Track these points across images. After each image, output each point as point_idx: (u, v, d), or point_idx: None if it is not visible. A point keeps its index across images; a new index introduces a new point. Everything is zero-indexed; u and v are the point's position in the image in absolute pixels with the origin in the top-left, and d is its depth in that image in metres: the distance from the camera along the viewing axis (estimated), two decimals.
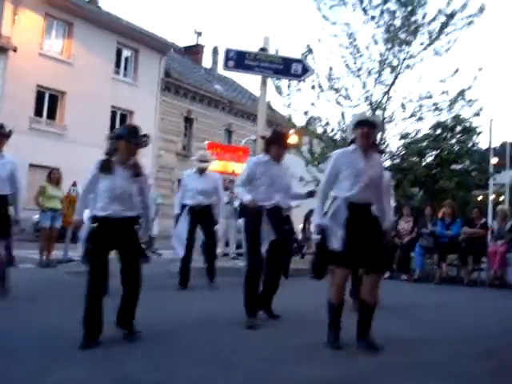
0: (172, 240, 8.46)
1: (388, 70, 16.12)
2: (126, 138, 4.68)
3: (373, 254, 4.77)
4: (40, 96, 24.03)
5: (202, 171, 8.49)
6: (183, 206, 8.36)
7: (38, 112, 23.96)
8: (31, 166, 21.60)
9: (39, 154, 21.94)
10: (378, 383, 3.85)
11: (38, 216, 11.60)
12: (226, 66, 11.50)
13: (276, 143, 5.92)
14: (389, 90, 16.30)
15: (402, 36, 15.79)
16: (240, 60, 11.28)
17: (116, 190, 4.63)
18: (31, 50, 23.16)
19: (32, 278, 8.52)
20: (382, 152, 7.13)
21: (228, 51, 11.35)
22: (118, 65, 27.37)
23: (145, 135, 4.83)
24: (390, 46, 15.90)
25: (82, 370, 3.75)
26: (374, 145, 5.13)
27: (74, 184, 11.12)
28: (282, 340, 5.07)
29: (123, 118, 27.45)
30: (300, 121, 17.68)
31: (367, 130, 4.89)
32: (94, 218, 4.69)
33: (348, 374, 4.03)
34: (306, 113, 16.61)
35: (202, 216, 8.29)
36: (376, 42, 16.02)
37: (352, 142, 5.05)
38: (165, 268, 9.77)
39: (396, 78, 16.15)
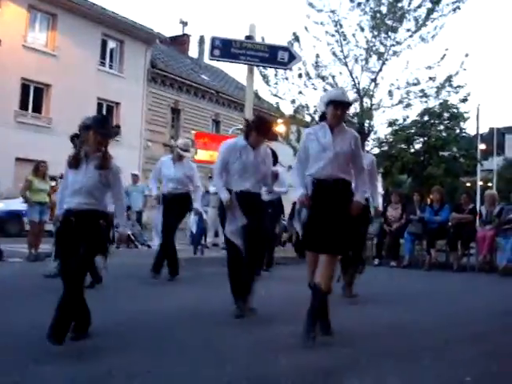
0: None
1: (375, 57, 16.13)
2: (93, 129, 4.46)
3: (332, 233, 4.56)
4: (25, 89, 23.76)
5: (179, 159, 8.29)
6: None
7: (24, 105, 23.71)
8: (17, 159, 21.44)
9: (25, 148, 21.72)
10: (374, 369, 3.83)
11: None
12: (212, 55, 11.45)
13: (257, 130, 5.64)
14: (376, 77, 16.31)
15: (389, 23, 15.79)
16: (226, 48, 11.21)
17: (76, 183, 4.42)
18: (15, 43, 22.88)
19: (20, 273, 8.46)
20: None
21: (214, 39, 11.28)
22: (103, 56, 27.14)
23: (116, 126, 4.72)
24: (376, 32, 15.89)
25: (67, 364, 3.72)
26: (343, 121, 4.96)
27: (61, 176, 10.99)
28: (275, 328, 5.05)
29: (110, 109, 27.26)
30: (288, 109, 17.68)
31: (340, 112, 4.80)
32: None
33: (344, 362, 4.02)
34: (293, 101, 16.60)
35: (174, 204, 8.11)
36: (362, 29, 16.02)
37: (323, 114, 4.91)
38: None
39: (383, 64, 16.16)
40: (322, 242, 4.60)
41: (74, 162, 4.48)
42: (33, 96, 24.19)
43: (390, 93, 16.28)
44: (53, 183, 10.90)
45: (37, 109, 24.33)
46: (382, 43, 16.04)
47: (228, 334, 4.79)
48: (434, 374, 3.78)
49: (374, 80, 16.34)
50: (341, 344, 4.47)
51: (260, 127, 5.68)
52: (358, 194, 4.86)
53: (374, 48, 16.06)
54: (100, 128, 4.46)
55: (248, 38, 11.51)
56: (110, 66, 27.54)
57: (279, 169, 7.69)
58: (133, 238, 13.74)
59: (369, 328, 5.11)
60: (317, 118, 16.68)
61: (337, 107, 4.74)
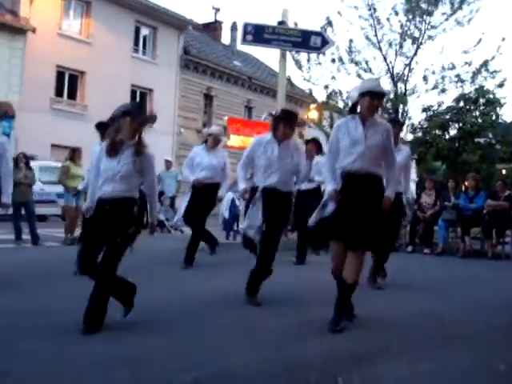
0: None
1: (409, 41, 15.94)
2: (130, 116, 4.42)
3: (361, 228, 4.49)
4: (60, 76, 24.09)
5: (213, 147, 8.26)
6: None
7: (59, 92, 24.05)
8: (53, 146, 21.77)
9: (61, 134, 22.06)
10: (406, 356, 3.82)
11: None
12: (245, 41, 11.42)
13: (283, 122, 5.58)
14: (410, 61, 16.12)
15: (424, 6, 15.56)
16: (258, 34, 11.18)
17: (110, 170, 4.37)
18: (50, 31, 23.17)
19: (57, 256, 8.62)
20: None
21: (246, 25, 11.25)
22: (136, 43, 27.30)
23: (152, 114, 4.72)
24: (411, 16, 15.68)
25: (101, 344, 3.79)
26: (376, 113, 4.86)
27: None
28: (308, 313, 5.07)
29: (143, 96, 27.47)
30: (320, 95, 17.59)
31: (377, 104, 4.69)
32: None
33: (375, 348, 4.01)
34: (326, 87, 16.50)
35: (206, 192, 8.03)
36: (397, 13, 15.82)
37: (354, 106, 4.79)
38: (184, 244, 9.82)
39: (418, 49, 15.95)
40: (350, 237, 4.52)
41: (113, 149, 4.41)
42: (68, 83, 24.51)
43: (425, 78, 16.09)
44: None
45: (72, 96, 24.65)
46: (416, 27, 15.82)
47: (260, 318, 4.82)
48: (466, 361, 3.75)
49: (408, 65, 16.15)
50: (372, 330, 4.46)
51: (286, 119, 5.61)
52: (389, 189, 4.74)
53: (408, 32, 15.86)
54: (137, 115, 4.45)
55: (280, 23, 11.46)
56: (144, 53, 27.69)
57: (318, 158, 7.60)
58: (166, 223, 13.89)
59: (401, 315, 5.09)
60: (350, 103, 16.56)
61: (373, 98, 4.59)
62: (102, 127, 6.73)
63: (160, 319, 4.56)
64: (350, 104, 5.01)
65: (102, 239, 4.29)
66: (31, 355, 3.44)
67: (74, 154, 10.94)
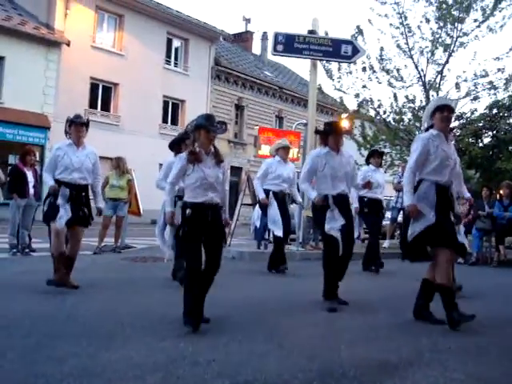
0: (268, 225, 8.63)
1: (441, 48, 15.79)
2: (205, 127, 4.72)
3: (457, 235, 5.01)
4: (94, 88, 24.52)
5: (285, 159, 8.73)
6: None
7: (93, 104, 24.45)
8: None
9: (94, 145, 22.17)
10: (438, 364, 3.79)
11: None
12: (275, 51, 11.47)
13: (331, 133, 6.10)
14: (442, 69, 15.97)
15: (455, 13, 15.42)
16: (289, 44, 11.22)
17: (209, 178, 4.70)
18: (84, 43, 23.62)
19: (91, 264, 8.75)
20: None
21: (277, 35, 11.31)
22: (168, 55, 27.64)
23: (223, 122, 4.94)
24: (442, 24, 15.56)
25: (135, 350, 3.84)
26: (451, 130, 5.43)
27: (128, 172, 11.32)
28: (350, 319, 5.07)
29: (175, 107, 27.76)
30: (351, 104, 17.52)
31: (447, 115, 5.09)
32: (185, 205, 4.73)
33: (408, 356, 3.99)
34: (357, 95, 16.43)
35: (286, 201, 8.66)
36: (428, 21, 15.71)
37: (430, 127, 5.20)
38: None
39: (449, 56, 15.79)
40: (457, 243, 5.01)
41: (195, 157, 4.68)
42: (101, 95, 24.91)
43: (457, 85, 15.90)
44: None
45: (105, 107, 25.04)
46: (448, 34, 15.67)
47: (291, 326, 4.83)
48: (500, 370, 3.71)
49: (440, 72, 16.00)
50: (404, 339, 4.44)
51: (335, 127, 6.26)
52: (459, 206, 5.50)
53: (440, 39, 15.72)
54: (211, 126, 4.73)
55: (311, 32, 11.49)
56: (175, 65, 28.01)
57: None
58: None
59: (434, 324, 5.05)
60: (381, 111, 16.52)
61: (443, 110, 5.10)
62: (174, 145, 7.04)
63: (215, 323, 4.60)
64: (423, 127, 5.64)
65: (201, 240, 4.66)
66: (66, 359, 3.51)
67: (118, 163, 11.02)
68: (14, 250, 9.54)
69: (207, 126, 4.72)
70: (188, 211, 4.65)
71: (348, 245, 5.91)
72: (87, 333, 4.23)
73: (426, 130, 5.31)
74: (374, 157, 9.32)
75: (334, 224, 5.84)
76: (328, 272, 5.89)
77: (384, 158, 16.52)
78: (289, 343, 4.17)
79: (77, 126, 6.43)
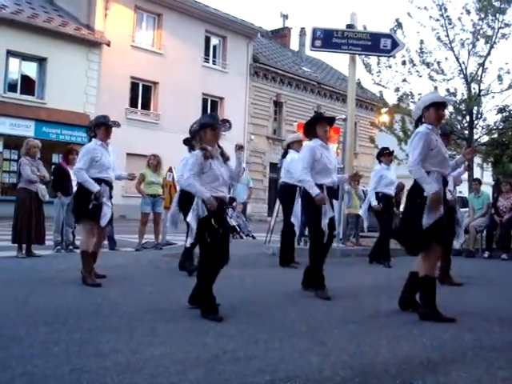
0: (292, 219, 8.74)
1: (482, 40, 15.47)
2: (211, 125, 4.92)
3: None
4: (134, 87, 24.83)
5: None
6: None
7: (133, 103, 24.77)
8: (128, 154, 22.41)
9: (135, 143, 22.69)
10: (483, 362, 3.73)
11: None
12: (313, 46, 11.40)
13: (318, 123, 6.34)
14: (484, 61, 15.64)
15: (496, 4, 15.09)
16: (327, 39, 11.14)
17: (224, 176, 4.96)
18: (124, 43, 23.93)
19: (132, 260, 8.87)
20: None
21: (315, 30, 11.24)
22: (207, 53, 27.78)
23: (227, 120, 5.10)
24: (483, 15, 15.24)
25: (177, 346, 3.87)
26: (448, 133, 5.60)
27: (170, 170, 11.43)
28: (384, 317, 5.03)
29: (214, 104, 27.89)
30: (391, 98, 17.32)
31: (443, 113, 5.13)
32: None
33: (451, 354, 3.93)
34: (397, 89, 16.23)
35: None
36: (468, 12, 15.40)
37: (419, 119, 5.13)
38: (259, 250, 9.93)
39: (491, 48, 15.46)
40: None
41: (209, 154, 4.88)
42: (141, 93, 25.21)
43: (500, 77, 15.55)
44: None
45: (145, 106, 25.34)
46: (489, 26, 15.35)
47: (332, 323, 4.81)
48: None
49: (481, 64, 15.67)
50: (447, 336, 4.37)
51: (321, 116, 6.67)
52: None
53: (481, 31, 15.40)
54: (216, 123, 4.94)
55: (349, 26, 11.39)
56: (214, 62, 28.13)
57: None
58: (238, 229, 14.02)
59: (475, 320, 4.97)
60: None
61: (440, 107, 5.06)
62: (188, 141, 7.17)
63: (232, 322, 4.63)
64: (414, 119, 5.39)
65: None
66: (108, 354, 3.56)
67: (150, 160, 11.19)
68: (59, 247, 9.74)
69: (213, 123, 4.94)
70: (205, 209, 4.78)
71: (331, 234, 6.22)
72: (129, 328, 4.29)
73: (416, 121, 5.22)
74: (385, 155, 9.35)
75: (327, 219, 6.03)
76: (316, 263, 6.06)
77: None
78: (330, 340, 4.15)
79: (108, 128, 6.71)
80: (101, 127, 6.68)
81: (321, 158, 6.13)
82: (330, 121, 6.57)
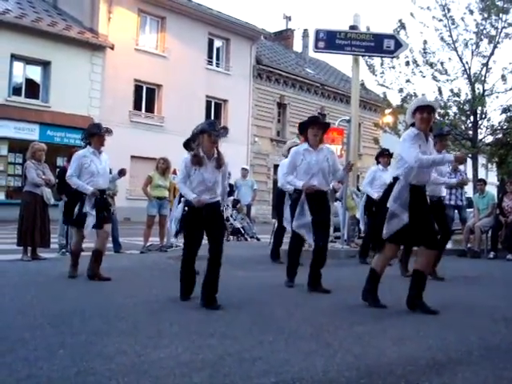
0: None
1: (486, 40, 15.48)
2: (208, 132, 5.26)
3: (426, 232, 5.26)
4: (138, 90, 24.87)
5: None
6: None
7: (137, 105, 24.81)
8: (132, 157, 22.45)
9: (140, 146, 22.75)
10: (488, 362, 3.72)
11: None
12: (317, 48, 11.40)
13: (309, 127, 6.45)
14: (488, 61, 15.64)
15: (499, 4, 15.09)
16: (330, 40, 11.14)
17: (207, 182, 5.33)
18: (127, 47, 23.99)
19: (137, 263, 8.88)
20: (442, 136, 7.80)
21: (318, 32, 11.24)
22: (210, 55, 27.81)
23: (224, 127, 5.44)
24: (486, 15, 15.25)
25: (182, 348, 3.87)
26: (430, 129, 5.48)
27: (174, 172, 11.42)
28: (388, 318, 5.02)
29: (218, 107, 27.93)
30: (395, 99, 17.32)
31: (427, 116, 5.19)
32: (186, 203, 5.51)
33: (456, 354, 3.92)
34: (401, 90, 16.23)
35: None
36: (471, 12, 15.41)
37: (412, 125, 5.35)
38: (264, 251, 9.92)
39: (495, 48, 15.47)
40: (424, 239, 5.39)
41: (197, 161, 5.30)
42: (145, 96, 25.25)
43: (504, 77, 15.54)
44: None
45: (149, 108, 25.39)
46: (492, 26, 15.35)
47: (337, 324, 4.80)
48: None
49: (485, 64, 15.66)
50: (452, 337, 4.36)
51: (311, 120, 6.58)
52: None
53: (484, 31, 15.41)
54: (213, 131, 5.23)
55: (352, 28, 11.39)
56: (217, 65, 28.16)
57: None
58: (243, 231, 14.03)
59: (481, 321, 4.96)
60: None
61: (423, 111, 5.22)
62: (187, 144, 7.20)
63: (237, 324, 4.63)
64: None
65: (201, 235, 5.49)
66: (114, 356, 3.57)
67: (158, 164, 11.17)
68: (63, 250, 9.75)
69: (209, 130, 5.26)
70: (186, 209, 5.47)
71: (323, 236, 6.46)
72: (135, 330, 4.29)
73: (408, 126, 5.57)
74: (384, 157, 9.35)
75: (301, 220, 6.30)
76: (290, 261, 6.74)
77: None
78: (335, 341, 4.14)
79: (101, 137, 6.91)
80: (94, 136, 6.92)
81: (301, 163, 6.39)
82: (324, 126, 6.65)
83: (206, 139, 5.29)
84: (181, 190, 5.66)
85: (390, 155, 9.40)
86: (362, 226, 9.79)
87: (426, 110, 5.22)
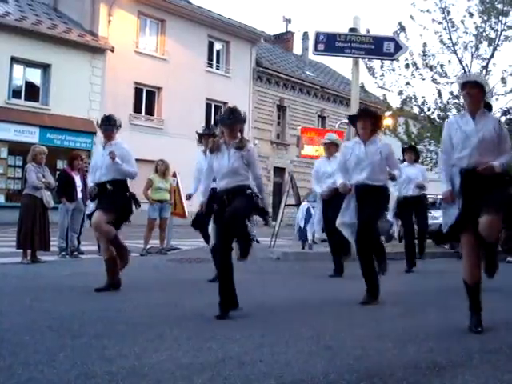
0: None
1: (485, 43, 15.49)
2: (222, 121, 5.38)
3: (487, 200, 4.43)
4: (138, 93, 24.89)
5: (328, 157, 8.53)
6: None
7: (137, 108, 24.82)
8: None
9: (140, 149, 22.66)
10: (489, 366, 3.71)
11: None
12: (316, 50, 11.41)
13: (358, 120, 6.23)
14: (487, 63, 15.64)
15: (499, 6, 15.10)
16: (330, 42, 11.15)
17: (223, 168, 5.26)
18: (127, 49, 24.02)
19: (137, 266, 8.86)
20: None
21: (318, 34, 11.24)
22: (210, 58, 27.84)
23: (238, 113, 5.39)
24: (486, 17, 15.26)
25: (182, 351, 3.87)
26: (485, 105, 4.89)
27: (174, 175, 11.44)
28: (392, 321, 5.01)
29: (217, 109, 27.92)
30: (395, 101, 17.33)
31: (468, 91, 4.71)
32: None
33: (457, 358, 3.91)
34: (400, 93, 16.23)
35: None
36: (471, 15, 15.42)
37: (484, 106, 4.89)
38: (264, 254, 9.92)
39: (494, 50, 15.48)
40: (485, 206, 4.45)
41: (216, 147, 5.37)
42: (145, 99, 25.27)
43: (503, 80, 15.55)
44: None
45: (149, 111, 25.39)
46: (492, 28, 15.35)
47: (336, 327, 4.80)
48: None
49: (485, 67, 15.67)
50: (452, 339, 4.36)
51: (360, 116, 6.28)
52: (497, 161, 4.60)
53: (484, 34, 15.41)
54: (226, 120, 5.31)
55: (352, 30, 11.39)
56: (217, 67, 28.19)
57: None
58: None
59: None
60: (425, 108, 16.27)
61: (464, 88, 4.75)
62: (201, 137, 7.32)
63: (237, 326, 4.63)
64: None
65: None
66: (114, 359, 3.56)
67: (157, 166, 11.17)
68: (64, 253, 9.76)
69: (221, 121, 5.40)
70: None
71: (363, 233, 5.92)
72: (135, 334, 4.29)
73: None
74: (407, 152, 9.46)
75: (345, 218, 6.04)
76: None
77: (429, 155, 16.30)
78: (336, 344, 4.14)
79: (103, 131, 6.93)
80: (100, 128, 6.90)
81: (350, 157, 6.17)
82: (370, 116, 6.29)
83: (221, 129, 5.45)
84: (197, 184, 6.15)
85: (413, 149, 9.52)
86: (394, 228, 9.59)
87: (466, 86, 4.75)
